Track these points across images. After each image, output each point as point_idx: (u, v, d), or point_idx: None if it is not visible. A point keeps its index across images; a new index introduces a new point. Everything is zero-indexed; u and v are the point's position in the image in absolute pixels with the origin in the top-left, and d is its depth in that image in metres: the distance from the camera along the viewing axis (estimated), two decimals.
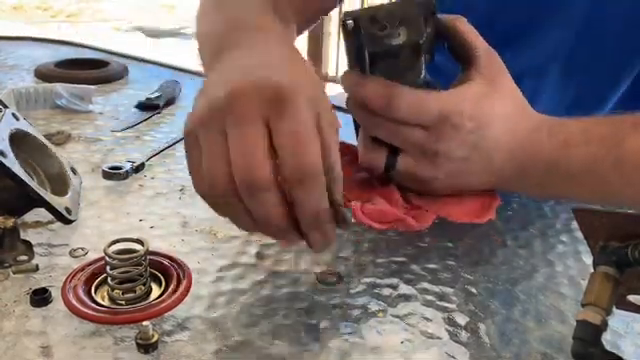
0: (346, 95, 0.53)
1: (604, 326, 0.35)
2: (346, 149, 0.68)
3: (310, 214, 0.39)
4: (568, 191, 0.53)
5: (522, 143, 0.50)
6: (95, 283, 0.44)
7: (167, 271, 0.46)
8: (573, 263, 0.53)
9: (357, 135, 0.59)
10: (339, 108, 0.85)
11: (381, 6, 0.47)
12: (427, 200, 0.55)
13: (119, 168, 0.62)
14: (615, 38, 0.67)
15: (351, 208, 0.52)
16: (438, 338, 0.42)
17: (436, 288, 0.48)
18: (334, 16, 3.40)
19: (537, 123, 0.51)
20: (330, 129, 0.39)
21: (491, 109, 0.49)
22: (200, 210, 0.57)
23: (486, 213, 0.53)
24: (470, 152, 0.49)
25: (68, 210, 0.52)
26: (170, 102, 0.88)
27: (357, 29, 0.47)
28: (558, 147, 0.50)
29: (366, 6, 0.53)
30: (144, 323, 0.39)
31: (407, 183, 0.53)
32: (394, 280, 0.48)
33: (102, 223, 0.54)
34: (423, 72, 0.50)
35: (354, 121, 0.58)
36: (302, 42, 3.86)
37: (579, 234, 0.56)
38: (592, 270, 0.39)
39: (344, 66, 0.58)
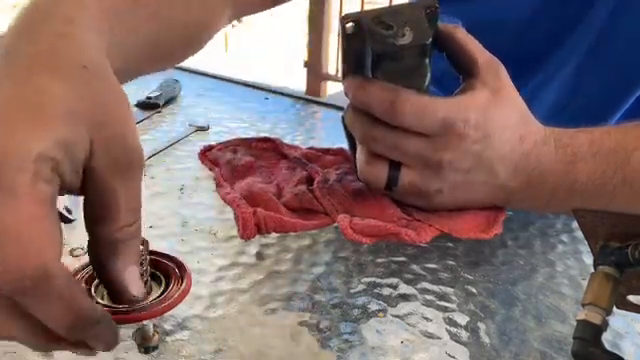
0: (345, 104, 0.51)
1: (604, 326, 0.35)
2: (344, 157, 0.68)
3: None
4: (574, 206, 0.51)
5: (528, 156, 0.49)
6: (95, 283, 0.44)
7: (167, 271, 0.46)
8: (573, 263, 0.53)
9: (351, 151, 0.59)
10: (339, 108, 0.85)
11: (384, 8, 0.46)
12: (429, 214, 0.55)
13: None
14: (627, 50, 0.66)
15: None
16: (438, 338, 0.42)
17: (436, 288, 0.48)
18: (335, 13, 3.40)
19: (544, 135, 0.50)
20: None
21: (496, 119, 0.48)
22: (200, 210, 0.57)
23: (492, 228, 0.53)
24: (474, 163, 0.48)
25: (68, 209, 0.52)
26: (170, 101, 0.88)
27: (358, 32, 0.46)
28: (566, 160, 0.49)
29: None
30: (144, 323, 0.39)
31: (409, 199, 0.52)
32: (394, 280, 0.48)
33: None
34: (428, 77, 0.49)
35: (349, 138, 0.57)
36: (302, 41, 3.86)
37: (579, 234, 0.56)
38: (592, 270, 0.39)
39: None
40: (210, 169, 0.66)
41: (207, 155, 0.69)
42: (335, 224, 0.54)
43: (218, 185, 0.61)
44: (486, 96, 0.48)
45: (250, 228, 0.52)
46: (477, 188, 0.50)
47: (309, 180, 0.61)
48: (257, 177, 0.62)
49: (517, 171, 0.49)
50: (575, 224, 0.58)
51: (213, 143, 0.71)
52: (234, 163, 0.65)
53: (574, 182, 0.50)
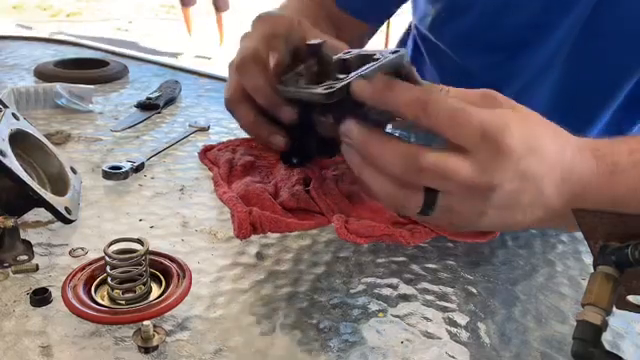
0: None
1: (604, 326, 0.35)
2: (342, 157, 0.68)
3: None
4: None
5: (571, 169, 0.44)
6: (95, 283, 0.44)
7: (167, 271, 0.46)
8: (573, 263, 0.53)
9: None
10: None
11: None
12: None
13: (119, 168, 0.62)
14: (615, 39, 0.66)
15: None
16: (438, 338, 0.42)
17: (436, 288, 0.48)
18: None
19: (580, 144, 0.46)
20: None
21: (537, 127, 0.43)
22: (200, 210, 0.57)
23: (488, 232, 0.53)
24: (520, 182, 0.42)
25: (68, 210, 0.52)
26: (170, 102, 0.88)
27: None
28: (608, 171, 0.46)
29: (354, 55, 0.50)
30: (144, 323, 0.39)
31: (445, 222, 0.45)
32: (394, 280, 0.48)
33: (102, 223, 0.54)
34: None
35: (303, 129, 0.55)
36: None
37: (579, 234, 0.56)
38: (592, 270, 0.39)
39: None
40: (210, 168, 0.66)
41: (207, 155, 0.69)
42: (332, 224, 0.54)
43: (216, 184, 0.61)
44: (510, 112, 0.43)
45: (245, 227, 0.52)
46: (522, 209, 0.44)
47: (306, 180, 0.61)
48: (255, 177, 0.62)
49: (561, 186, 0.44)
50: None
51: (214, 143, 0.72)
52: (233, 163, 0.65)
53: (615, 196, 0.46)
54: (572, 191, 0.44)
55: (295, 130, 0.58)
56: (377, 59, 0.45)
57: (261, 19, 0.59)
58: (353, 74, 0.44)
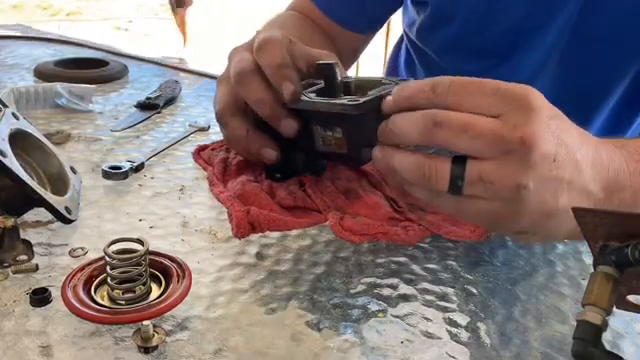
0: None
1: (604, 326, 0.34)
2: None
3: None
4: None
5: (598, 150, 0.42)
6: (95, 283, 0.44)
7: (167, 271, 0.46)
8: (573, 263, 0.53)
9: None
10: None
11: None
12: (424, 214, 0.55)
13: (119, 168, 0.62)
14: (605, 43, 0.66)
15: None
16: (438, 338, 0.42)
17: (436, 288, 0.48)
18: None
19: (598, 137, 0.44)
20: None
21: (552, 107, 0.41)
22: (200, 210, 0.57)
23: (483, 231, 0.54)
24: (557, 146, 0.38)
25: (68, 210, 0.52)
26: (170, 102, 0.88)
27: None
28: (633, 160, 0.44)
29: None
30: (144, 323, 0.39)
31: (477, 207, 0.41)
32: (394, 280, 0.48)
33: (102, 223, 0.54)
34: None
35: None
36: None
37: None
38: (592, 270, 0.39)
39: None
40: (204, 168, 0.66)
41: (201, 154, 0.69)
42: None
43: (211, 184, 0.61)
44: None
45: (244, 227, 0.52)
46: (564, 186, 0.40)
47: (301, 180, 0.61)
48: (250, 176, 0.62)
49: (595, 169, 0.41)
50: None
51: (209, 143, 0.72)
52: (227, 162, 0.65)
53: None
54: (607, 180, 0.42)
55: (284, 145, 0.58)
56: (385, 83, 0.51)
57: (260, 47, 0.55)
58: (374, 91, 0.49)
